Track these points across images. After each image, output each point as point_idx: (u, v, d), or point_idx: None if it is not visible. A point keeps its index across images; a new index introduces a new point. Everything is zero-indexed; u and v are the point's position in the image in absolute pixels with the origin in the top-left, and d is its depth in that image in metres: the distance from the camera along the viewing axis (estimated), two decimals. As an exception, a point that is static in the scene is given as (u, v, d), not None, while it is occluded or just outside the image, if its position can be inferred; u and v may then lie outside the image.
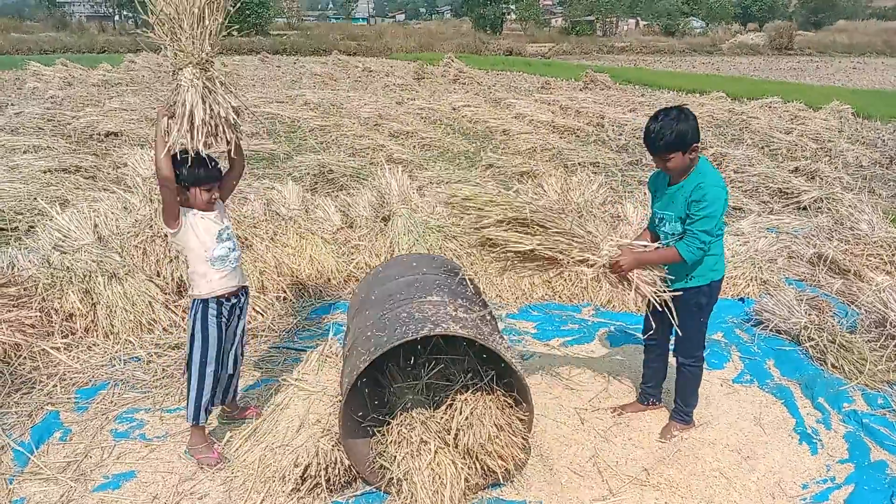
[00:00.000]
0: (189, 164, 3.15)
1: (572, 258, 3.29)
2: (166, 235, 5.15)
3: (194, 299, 3.34)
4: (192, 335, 3.35)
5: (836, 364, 4.36)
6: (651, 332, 3.82)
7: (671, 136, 3.19)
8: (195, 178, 3.21)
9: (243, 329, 3.60)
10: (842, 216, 6.85)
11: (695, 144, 3.24)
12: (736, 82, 23.25)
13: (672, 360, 3.87)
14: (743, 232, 6.75)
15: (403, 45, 43.55)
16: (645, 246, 3.39)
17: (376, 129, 12.84)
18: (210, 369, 3.38)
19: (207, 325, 3.34)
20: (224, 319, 3.39)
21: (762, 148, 11.70)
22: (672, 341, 3.73)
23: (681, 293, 3.40)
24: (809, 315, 4.85)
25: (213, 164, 3.27)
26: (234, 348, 3.54)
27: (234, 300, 3.43)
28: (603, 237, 3.35)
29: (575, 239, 3.30)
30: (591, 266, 3.31)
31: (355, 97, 16.84)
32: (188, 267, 3.35)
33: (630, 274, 3.33)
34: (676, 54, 44.61)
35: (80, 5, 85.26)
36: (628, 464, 3.52)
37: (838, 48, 46.25)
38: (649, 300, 3.41)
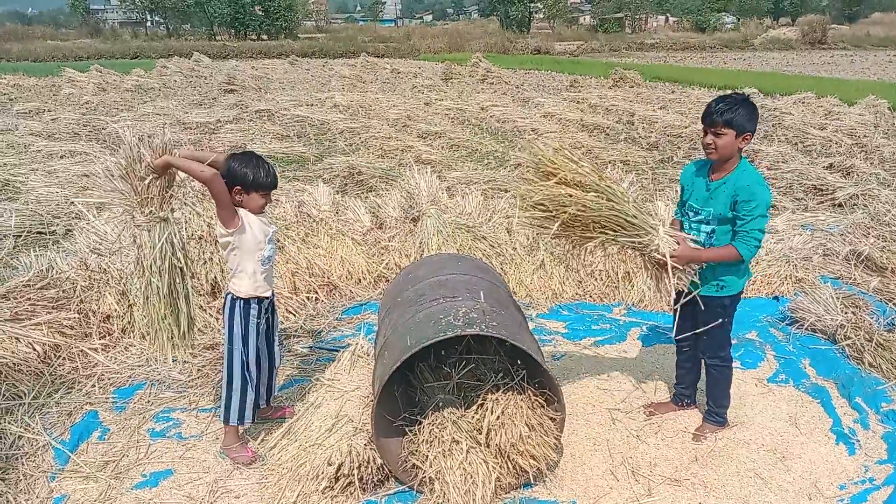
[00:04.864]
0: (253, 167, 3.24)
1: (629, 238, 3.28)
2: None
3: (234, 300, 3.38)
4: (234, 337, 3.39)
5: (874, 363, 4.29)
6: (680, 334, 3.81)
7: (732, 114, 3.21)
8: (258, 184, 3.27)
9: (277, 332, 3.65)
10: (878, 212, 6.72)
11: (747, 134, 3.25)
12: (768, 78, 22.92)
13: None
14: (777, 230, 6.65)
15: (431, 46, 43.67)
16: (694, 241, 3.38)
17: (405, 131, 12.88)
18: (253, 371, 3.43)
19: (248, 326, 3.38)
20: (262, 320, 3.43)
21: (796, 144, 11.51)
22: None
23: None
24: (846, 313, 4.77)
25: (273, 170, 3.34)
26: (271, 349, 3.59)
27: (267, 302, 3.48)
28: (657, 225, 3.32)
29: (633, 220, 3.27)
30: (645, 253, 3.29)
31: (384, 99, 16.92)
32: (235, 266, 3.37)
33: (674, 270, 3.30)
34: (707, 50, 44.17)
35: (112, 12, 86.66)
36: (662, 464, 3.49)
37: (873, 41, 45.40)
38: (677, 298, 3.40)
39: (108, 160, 3.74)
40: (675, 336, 3.86)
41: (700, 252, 3.33)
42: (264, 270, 3.40)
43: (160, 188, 4.29)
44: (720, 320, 3.52)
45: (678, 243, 3.28)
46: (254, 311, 3.39)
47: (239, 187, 3.26)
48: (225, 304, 3.44)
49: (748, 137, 3.27)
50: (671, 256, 3.24)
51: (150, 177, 4.17)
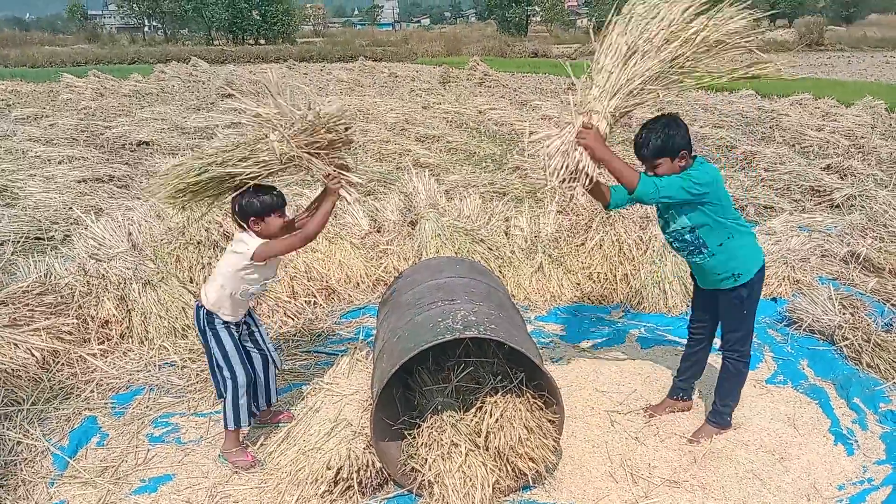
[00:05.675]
0: (256, 194, 3.24)
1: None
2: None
3: (199, 307, 3.39)
4: (208, 342, 3.42)
5: (872, 363, 4.30)
6: (697, 323, 3.80)
7: (657, 141, 3.21)
8: (270, 206, 3.27)
9: (262, 333, 3.66)
10: (875, 213, 6.73)
11: (683, 152, 3.23)
12: (765, 79, 22.89)
13: (711, 359, 3.85)
14: (775, 231, 6.66)
15: (429, 50, 43.63)
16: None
17: (403, 134, 12.88)
18: (239, 372, 3.43)
19: (218, 332, 3.40)
20: (232, 326, 3.44)
21: (793, 146, 11.52)
22: (716, 341, 3.74)
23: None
24: (844, 314, 4.78)
25: (275, 189, 3.35)
26: (258, 351, 3.60)
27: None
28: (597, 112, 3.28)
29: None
30: (578, 112, 3.31)
31: (382, 103, 16.90)
32: (220, 273, 3.37)
33: (585, 149, 3.24)
34: (704, 52, 44.10)
35: (110, 17, 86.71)
36: (660, 466, 3.49)
37: (870, 43, 45.37)
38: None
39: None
40: (690, 324, 3.85)
41: (608, 151, 3.22)
42: (241, 302, 3.41)
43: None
44: (739, 311, 3.47)
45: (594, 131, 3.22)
46: (219, 320, 3.40)
47: (254, 218, 3.26)
48: (195, 308, 3.46)
49: (685, 154, 3.24)
50: (585, 132, 3.22)
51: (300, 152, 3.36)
